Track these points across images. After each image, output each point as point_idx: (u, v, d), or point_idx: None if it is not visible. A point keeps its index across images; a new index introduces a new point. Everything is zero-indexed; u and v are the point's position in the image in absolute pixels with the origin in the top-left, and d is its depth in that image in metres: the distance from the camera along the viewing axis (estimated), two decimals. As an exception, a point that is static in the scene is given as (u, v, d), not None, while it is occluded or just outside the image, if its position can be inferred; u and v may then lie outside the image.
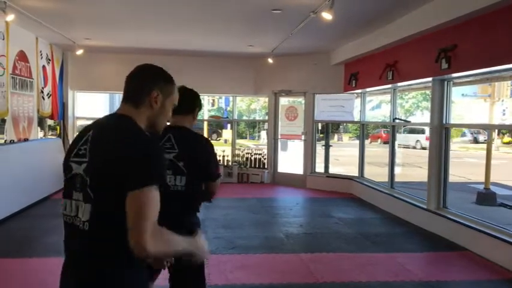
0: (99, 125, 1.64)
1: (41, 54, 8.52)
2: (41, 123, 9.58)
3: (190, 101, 2.62)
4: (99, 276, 1.50)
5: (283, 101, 10.71)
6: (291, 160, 10.85)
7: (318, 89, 9.66)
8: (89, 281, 1.51)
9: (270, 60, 9.12)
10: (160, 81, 1.70)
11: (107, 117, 1.69)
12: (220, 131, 25.53)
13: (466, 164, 15.45)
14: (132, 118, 1.62)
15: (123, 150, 1.50)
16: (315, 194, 9.17)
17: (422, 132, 19.26)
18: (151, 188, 1.45)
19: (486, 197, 8.67)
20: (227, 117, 14.54)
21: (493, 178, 9.17)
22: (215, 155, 2.69)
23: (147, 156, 1.50)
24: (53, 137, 10.37)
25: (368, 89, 8.80)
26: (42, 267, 4.62)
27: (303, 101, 10.21)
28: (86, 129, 1.65)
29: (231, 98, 12.04)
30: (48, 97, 8.92)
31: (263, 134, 21.91)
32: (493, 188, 9.04)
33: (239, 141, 16.22)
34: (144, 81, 1.68)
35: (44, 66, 8.66)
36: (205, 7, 6.03)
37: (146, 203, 1.43)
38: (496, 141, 21.04)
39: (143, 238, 1.40)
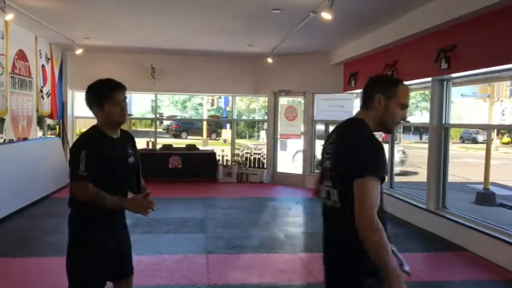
0: (340, 128, 2.09)
1: (40, 54, 8.51)
2: (40, 122, 9.57)
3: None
4: (346, 246, 1.90)
5: (283, 100, 10.71)
6: (290, 160, 10.85)
7: (317, 88, 9.65)
8: (339, 248, 1.96)
9: (270, 60, 9.11)
10: (381, 86, 1.99)
11: (346, 120, 2.09)
12: (219, 130, 25.53)
13: (465, 164, 15.46)
14: (363, 119, 1.99)
15: (348, 146, 1.90)
16: (314, 194, 9.14)
17: None
18: (369, 178, 1.76)
19: (485, 197, 8.68)
20: (226, 117, 14.54)
21: (492, 178, 9.19)
22: None
23: (364, 150, 1.83)
24: (52, 136, 10.36)
25: (367, 89, 8.79)
26: (42, 266, 4.62)
27: (303, 101, 10.21)
28: (332, 131, 2.11)
29: (230, 98, 12.04)
30: (48, 96, 8.91)
31: (262, 133, 21.92)
32: (492, 188, 9.05)
33: (238, 141, 16.20)
34: (369, 89, 2.03)
35: (43, 66, 8.65)
36: (205, 7, 6.03)
37: (364, 191, 1.75)
38: (495, 142, 21.08)
39: (361, 220, 1.74)
